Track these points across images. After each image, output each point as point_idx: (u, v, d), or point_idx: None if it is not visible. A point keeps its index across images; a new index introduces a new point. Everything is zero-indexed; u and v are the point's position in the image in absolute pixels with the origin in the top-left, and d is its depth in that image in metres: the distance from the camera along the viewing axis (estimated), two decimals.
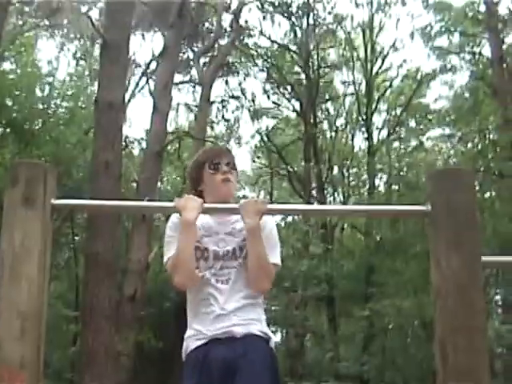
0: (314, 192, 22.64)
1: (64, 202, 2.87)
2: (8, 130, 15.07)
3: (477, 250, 2.67)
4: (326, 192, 22.89)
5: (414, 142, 23.57)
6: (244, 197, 18.16)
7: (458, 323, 2.57)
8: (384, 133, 23.77)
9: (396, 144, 24.06)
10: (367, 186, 22.57)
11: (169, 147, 18.11)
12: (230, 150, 3.78)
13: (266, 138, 24.28)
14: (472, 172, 2.98)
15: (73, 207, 3.21)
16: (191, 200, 3.19)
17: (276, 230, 3.51)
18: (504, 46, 18.65)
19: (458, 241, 2.63)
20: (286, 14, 22.69)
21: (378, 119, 24.04)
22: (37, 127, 15.29)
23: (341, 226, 22.74)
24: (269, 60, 23.50)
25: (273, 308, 22.16)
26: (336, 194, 24.72)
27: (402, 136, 23.91)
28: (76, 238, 16.58)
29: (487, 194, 18.32)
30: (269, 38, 23.47)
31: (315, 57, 22.94)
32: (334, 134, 24.25)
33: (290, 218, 25.55)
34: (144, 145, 17.81)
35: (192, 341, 3.28)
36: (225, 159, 3.56)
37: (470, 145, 20.13)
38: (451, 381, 2.55)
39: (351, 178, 24.42)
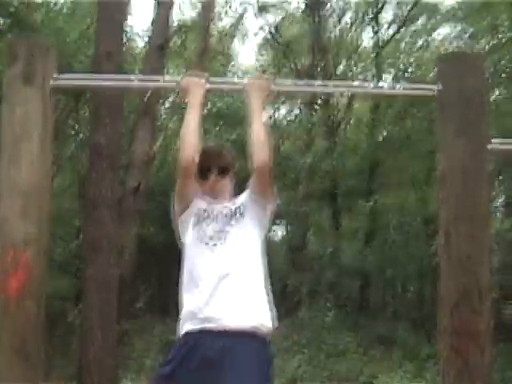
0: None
1: (64, 78, 2.82)
2: (9, 21, 14.77)
3: (484, 136, 2.63)
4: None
5: (422, 39, 23.13)
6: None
7: (462, 211, 2.56)
8: (392, 29, 23.31)
9: (404, 41, 23.62)
10: (374, 83, 22.32)
11: (173, 41, 17.82)
12: (224, 152, 3.47)
13: (271, 33, 23.85)
14: (484, 56, 2.89)
15: (74, 86, 3.13)
16: (196, 78, 3.15)
17: None
18: None
19: (466, 125, 2.59)
20: None
21: (386, 15, 23.51)
22: (39, 19, 14.97)
23: (346, 121, 22.59)
24: None
25: (276, 202, 22.35)
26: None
27: (411, 33, 23.43)
28: (80, 132, 16.51)
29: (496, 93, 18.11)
30: None
31: None
32: (341, 29, 23.77)
33: (295, 112, 25.43)
34: (147, 40, 17.50)
35: (186, 323, 3.15)
36: (216, 163, 3.35)
37: (481, 42, 19.74)
38: (453, 268, 2.55)
39: (357, 75, 24.09)
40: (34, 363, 2.39)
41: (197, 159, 3.19)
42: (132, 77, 3.14)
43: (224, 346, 2.98)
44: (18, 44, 2.68)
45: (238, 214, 3.27)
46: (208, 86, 3.14)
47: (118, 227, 10.04)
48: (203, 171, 3.32)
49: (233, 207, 3.29)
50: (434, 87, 2.68)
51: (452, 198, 2.57)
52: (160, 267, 20.55)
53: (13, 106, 2.60)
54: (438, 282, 2.64)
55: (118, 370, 8.86)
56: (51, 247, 13.80)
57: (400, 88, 2.97)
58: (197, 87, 3.14)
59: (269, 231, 3.50)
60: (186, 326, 3.12)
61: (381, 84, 3.36)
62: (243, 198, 3.32)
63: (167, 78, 3.57)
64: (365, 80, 22.38)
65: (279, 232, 25.68)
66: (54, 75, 2.67)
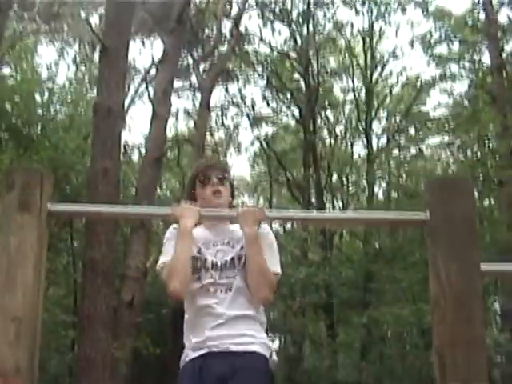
0: (312, 199, 22.63)
1: (60, 207, 2.86)
2: (7, 135, 15.04)
3: (476, 261, 2.65)
4: (325, 199, 22.88)
5: (413, 150, 23.60)
6: (242, 204, 18.17)
7: (456, 335, 2.55)
8: (383, 140, 23.81)
9: (395, 152, 24.08)
10: (366, 194, 22.56)
11: (168, 153, 18.09)
12: (222, 163, 3.80)
13: (265, 145, 24.30)
14: (471, 181, 2.95)
15: (69, 213, 3.18)
16: (188, 208, 3.21)
17: (274, 238, 3.48)
18: (504, 54, 18.66)
19: (457, 251, 2.61)
20: (285, 22, 22.77)
21: (377, 127, 24.07)
22: (36, 133, 15.26)
23: (340, 233, 22.73)
24: (268, 67, 23.51)
25: (271, 315, 22.15)
26: (335, 201, 24.74)
27: (402, 144, 23.93)
28: (75, 243, 16.54)
29: (486, 202, 18.32)
30: (269, 45, 23.52)
31: (315, 64, 22.96)
32: (333, 141, 24.28)
33: (288, 225, 25.57)
34: (143, 151, 17.79)
35: (189, 351, 3.23)
36: (215, 172, 3.51)
37: (469, 153, 20.15)
38: None
39: (350, 186, 24.43)
40: None
41: (185, 291, 3.20)
42: (126, 207, 3.18)
43: (232, 364, 3.06)
44: (14, 172, 2.73)
45: (241, 263, 3.30)
46: (201, 213, 3.18)
47: (113, 341, 9.93)
48: (205, 177, 3.48)
49: (234, 251, 3.33)
50: (423, 214, 2.73)
51: (446, 324, 2.57)
52: (155, 380, 20.16)
53: (8, 234, 2.62)
54: None
55: None
56: (45, 358, 13.64)
57: (389, 218, 3.03)
58: (189, 215, 3.18)
59: None
60: (189, 356, 3.21)
61: (370, 215, 3.41)
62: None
63: (161, 208, 3.63)
64: (357, 191, 22.71)
65: (275, 344, 25.35)
66: (49, 204, 2.71)
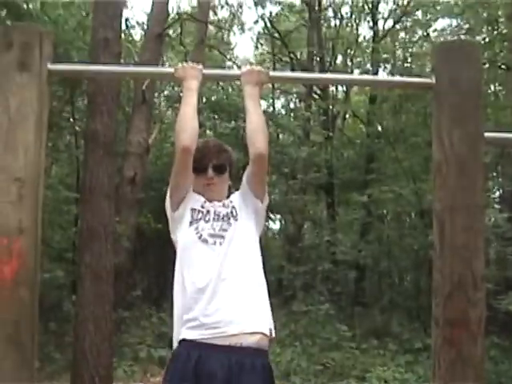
0: None
1: (61, 66, 2.81)
2: (5, 11, 14.70)
3: (480, 127, 2.63)
4: None
5: (420, 33, 23.14)
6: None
7: (456, 200, 2.56)
8: (390, 23, 23.31)
9: (401, 34, 23.62)
10: (371, 76, 22.30)
11: (171, 32, 17.78)
12: (222, 149, 3.44)
13: (269, 24, 23.84)
14: (479, 46, 2.89)
15: (70, 72, 3.12)
16: (191, 68, 3.15)
17: None
18: None
19: (462, 115, 2.59)
20: None
21: (384, 8, 23.52)
22: (36, 9, 14.91)
23: (342, 114, 22.62)
24: None
25: (272, 196, 22.36)
26: None
27: (408, 26, 23.44)
28: (77, 121, 16.48)
29: (492, 87, 18.13)
30: None
31: None
32: (338, 21, 23.79)
33: (291, 105, 25.46)
34: (145, 29, 17.46)
35: (184, 328, 3.02)
36: (213, 160, 3.32)
37: (477, 37, 19.75)
38: (447, 258, 2.55)
39: (355, 67, 24.10)
40: (28, 352, 2.39)
41: (194, 146, 3.14)
42: (129, 65, 3.13)
43: (230, 364, 2.87)
44: (12, 31, 2.67)
45: (234, 215, 3.23)
46: (204, 72, 3.13)
47: (115, 216, 10.05)
48: (199, 167, 3.27)
49: (229, 208, 3.25)
50: (429, 79, 2.69)
51: (446, 188, 2.58)
52: (157, 256, 20.57)
53: (7, 94, 2.59)
54: (433, 270, 2.64)
55: (113, 358, 8.88)
56: (49, 235, 13.86)
57: (396, 81, 2.98)
58: (193, 74, 3.13)
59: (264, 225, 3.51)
60: (184, 333, 3.00)
61: (377, 77, 3.35)
62: (238, 198, 3.31)
63: (164, 68, 3.56)
64: (362, 73, 22.43)
65: (275, 224, 25.73)
66: (50, 63, 2.66)
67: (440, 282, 2.56)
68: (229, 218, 3.19)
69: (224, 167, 3.35)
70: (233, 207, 3.24)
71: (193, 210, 3.22)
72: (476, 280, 2.52)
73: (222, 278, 3.01)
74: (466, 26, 19.83)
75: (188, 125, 3.12)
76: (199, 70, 3.12)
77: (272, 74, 3.19)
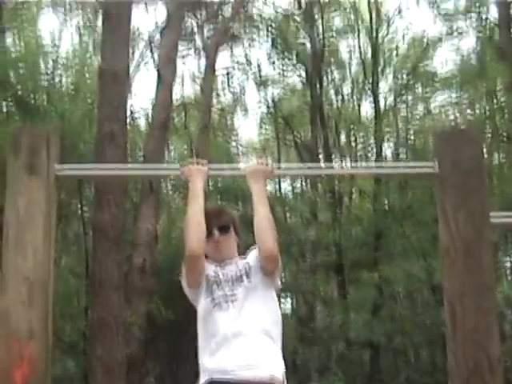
0: (321, 160, 22.56)
1: (68, 167, 2.86)
2: (13, 105, 15.00)
3: (485, 210, 2.65)
4: (333, 159, 22.82)
5: (421, 108, 23.42)
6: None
7: (466, 284, 2.56)
8: (391, 99, 23.63)
9: (403, 110, 23.93)
10: (374, 153, 22.46)
11: (175, 118, 18.06)
12: (224, 211, 3.62)
13: (272, 107, 24.19)
14: (479, 131, 2.93)
15: (77, 173, 3.17)
16: (196, 168, 3.23)
17: None
18: (511, 8, 18.41)
19: (466, 200, 2.61)
20: None
21: (384, 85, 23.88)
22: (42, 102, 15.22)
23: (349, 193, 22.68)
24: (273, 28, 23.30)
25: (282, 277, 22.24)
26: (343, 162, 24.66)
27: (409, 102, 23.76)
28: (85, 211, 16.58)
29: (495, 158, 18.23)
30: (273, 6, 23.30)
31: (320, 24, 22.75)
32: (340, 101, 24.14)
33: (298, 186, 25.57)
34: (150, 117, 17.74)
35: (215, 373, 3.16)
36: (216, 223, 3.43)
37: (477, 109, 19.98)
38: (460, 341, 2.53)
39: (358, 145, 24.30)
40: None
41: (202, 249, 3.27)
42: (135, 165, 3.18)
43: None
44: (21, 134, 2.73)
45: (248, 274, 3.34)
46: (209, 172, 3.21)
47: (125, 306, 10.01)
48: (207, 231, 3.35)
49: (242, 268, 3.36)
50: (432, 164, 2.72)
51: (456, 272, 2.58)
52: (169, 343, 20.33)
53: (17, 196, 2.63)
54: (447, 353, 2.61)
55: None
56: (60, 326, 13.77)
57: (398, 169, 3.02)
58: (198, 175, 3.22)
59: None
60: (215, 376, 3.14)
61: (380, 166, 3.41)
62: (252, 259, 3.39)
63: (169, 165, 3.65)
64: (366, 151, 22.63)
65: (287, 305, 25.52)
66: (57, 165, 2.71)
67: (454, 365, 2.53)
68: (241, 278, 3.33)
69: (227, 227, 3.45)
70: (248, 267, 3.35)
71: (207, 278, 3.33)
72: (492, 363, 2.49)
73: (233, 334, 3.16)
74: (466, 98, 20.13)
75: (195, 229, 3.24)
76: (204, 170, 3.19)
77: (276, 168, 3.26)
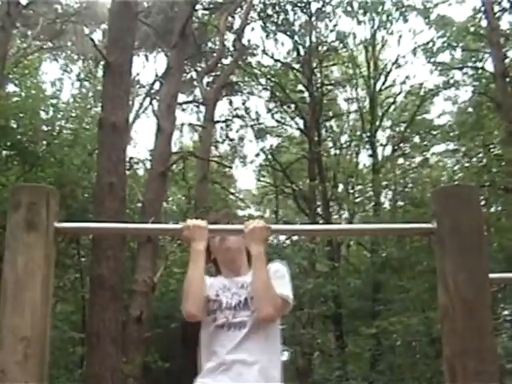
0: (319, 210, 22.63)
1: (67, 225, 2.86)
2: (12, 152, 15.08)
3: (484, 270, 2.64)
4: (331, 209, 22.88)
5: (418, 158, 23.59)
6: (250, 216, 18.16)
7: (466, 345, 2.53)
8: (388, 149, 23.83)
9: (401, 160, 24.08)
10: (372, 203, 22.54)
11: (173, 167, 18.12)
12: (230, 215, 3.71)
13: (270, 157, 24.33)
14: (477, 189, 2.93)
15: (76, 230, 3.18)
16: (198, 229, 3.22)
17: (287, 270, 3.51)
18: (507, 60, 18.66)
19: (465, 261, 2.60)
20: (288, 33, 22.85)
21: (382, 136, 24.10)
22: (41, 149, 15.29)
23: (347, 243, 22.69)
24: (272, 79, 23.57)
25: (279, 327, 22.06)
26: (341, 212, 24.74)
27: (407, 152, 23.93)
28: (82, 259, 16.55)
29: (493, 209, 18.26)
30: (272, 57, 23.61)
31: (318, 75, 23.02)
32: (338, 151, 24.31)
33: (295, 237, 25.53)
34: (148, 165, 17.82)
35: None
36: (221, 222, 3.46)
37: (474, 160, 20.11)
38: None
39: (356, 195, 24.40)
40: None
41: (200, 312, 3.26)
42: (136, 225, 3.19)
43: None
44: (20, 191, 2.73)
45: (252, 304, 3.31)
46: (209, 228, 3.22)
47: (122, 358, 9.92)
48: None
49: (247, 292, 3.33)
50: (430, 226, 2.72)
51: (455, 333, 2.56)
52: (166, 375, 20.12)
53: (16, 253, 2.62)
54: None
55: None
56: (55, 376, 13.61)
57: (396, 229, 3.02)
58: (200, 235, 3.21)
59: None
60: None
61: (377, 226, 3.42)
62: None
63: (170, 226, 3.67)
64: (364, 202, 22.69)
65: (284, 356, 25.29)
66: (56, 223, 2.71)
67: None
68: (247, 304, 3.30)
69: (234, 222, 3.48)
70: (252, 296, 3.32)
71: (209, 300, 3.32)
72: None
73: (235, 361, 3.18)
74: (463, 149, 20.25)
75: (194, 291, 3.22)
76: (205, 228, 3.20)
77: (274, 227, 3.30)
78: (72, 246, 15.86)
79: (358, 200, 24.27)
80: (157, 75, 20.42)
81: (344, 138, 24.96)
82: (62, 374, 14.75)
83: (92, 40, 15.98)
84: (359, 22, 22.84)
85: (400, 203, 21.71)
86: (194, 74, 23.00)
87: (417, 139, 24.08)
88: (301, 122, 23.81)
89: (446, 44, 20.98)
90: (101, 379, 8.05)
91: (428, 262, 13.64)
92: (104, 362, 8.11)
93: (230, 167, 24.92)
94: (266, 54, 23.48)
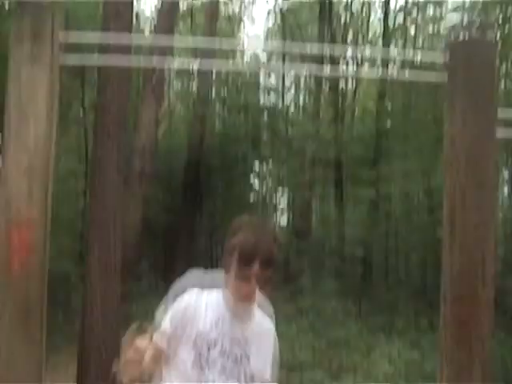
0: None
1: (73, 35, 2.77)
2: None
3: (492, 124, 2.59)
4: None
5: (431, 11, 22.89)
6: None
7: (467, 198, 2.53)
8: (400, 18, 23.01)
9: (414, 13, 23.39)
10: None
11: (180, 25, 17.56)
12: (270, 243, 2.79)
13: (280, 17, 23.78)
14: (494, 44, 2.83)
15: (82, 40, 3.06)
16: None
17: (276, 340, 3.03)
18: None
19: (474, 113, 2.56)
20: None
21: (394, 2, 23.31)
22: None
23: (352, 92, 22.48)
24: None
25: (280, 171, 22.32)
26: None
27: (420, 4, 23.22)
28: (86, 96, 16.46)
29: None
30: None
31: None
32: (349, 16, 23.61)
33: (302, 82, 25.36)
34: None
35: None
36: (259, 257, 2.73)
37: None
38: (457, 251, 2.53)
39: (366, 49, 23.87)
40: (37, 341, 2.41)
41: None
42: (144, 36, 3.10)
43: None
44: (25, 3, 2.63)
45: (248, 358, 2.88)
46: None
47: (125, 189, 10.05)
48: (246, 260, 2.72)
49: (241, 370, 2.85)
50: (442, 75, 2.65)
51: (457, 186, 2.55)
52: (165, 230, 20.66)
53: (20, 65, 2.55)
54: (442, 250, 2.62)
55: (120, 330, 8.90)
56: (56, 207, 13.84)
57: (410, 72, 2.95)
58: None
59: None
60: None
61: (391, 70, 3.32)
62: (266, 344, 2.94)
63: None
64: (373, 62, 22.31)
65: (284, 200, 25.85)
66: (62, 32, 2.62)
67: (450, 261, 2.55)
68: (241, 362, 2.85)
69: (270, 261, 2.77)
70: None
71: (196, 353, 2.80)
72: (486, 260, 2.51)
73: None
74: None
75: None
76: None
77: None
78: (77, 83, 15.71)
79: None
80: None
81: (356, 4, 24.07)
82: (66, 205, 14.99)
83: None
84: None
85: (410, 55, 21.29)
86: None
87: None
88: None
89: None
90: (102, 209, 8.19)
91: (434, 113, 13.54)
92: (107, 190, 8.21)
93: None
94: None
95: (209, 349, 2.81)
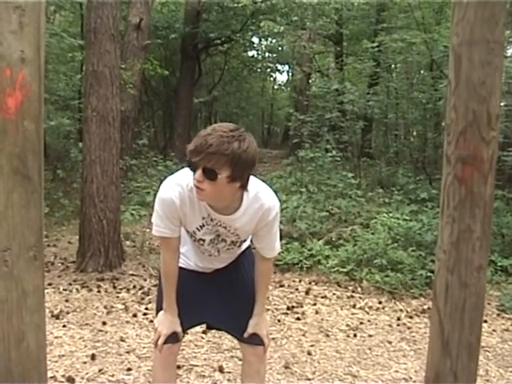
0: None
1: None
2: None
3: None
4: None
5: None
6: None
7: (475, 35, 2.44)
8: None
9: None
10: None
11: None
12: (222, 148, 2.65)
13: None
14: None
15: None
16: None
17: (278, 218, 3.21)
18: None
19: None
20: None
21: None
22: None
23: None
24: None
25: (279, 46, 21.93)
26: None
27: None
28: None
29: None
30: None
31: None
32: None
33: None
34: None
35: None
36: (203, 162, 2.68)
37: None
38: (464, 94, 2.47)
39: None
40: (35, 184, 2.36)
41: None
42: None
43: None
44: None
45: (238, 243, 3.31)
46: None
47: (121, 62, 9.88)
48: (192, 162, 2.75)
49: (234, 237, 3.22)
50: None
51: (465, 22, 2.45)
52: (163, 106, 20.57)
53: None
54: (446, 108, 2.56)
55: (121, 203, 9.00)
56: (54, 84, 13.71)
57: None
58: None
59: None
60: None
61: None
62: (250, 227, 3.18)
63: None
64: None
65: (282, 76, 25.54)
66: None
67: (454, 118, 2.49)
68: (229, 245, 3.30)
69: (214, 173, 2.69)
70: (240, 240, 3.29)
71: (191, 227, 3.18)
72: (491, 118, 2.44)
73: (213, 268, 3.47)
74: None
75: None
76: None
77: None
78: None
79: None
80: None
81: None
82: (62, 80, 14.82)
83: None
84: None
85: None
86: None
87: None
88: None
89: None
90: (100, 77, 8.06)
91: None
92: (103, 61, 8.06)
93: None
94: None
95: (195, 232, 3.18)
